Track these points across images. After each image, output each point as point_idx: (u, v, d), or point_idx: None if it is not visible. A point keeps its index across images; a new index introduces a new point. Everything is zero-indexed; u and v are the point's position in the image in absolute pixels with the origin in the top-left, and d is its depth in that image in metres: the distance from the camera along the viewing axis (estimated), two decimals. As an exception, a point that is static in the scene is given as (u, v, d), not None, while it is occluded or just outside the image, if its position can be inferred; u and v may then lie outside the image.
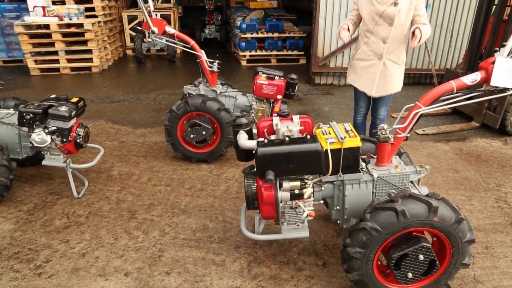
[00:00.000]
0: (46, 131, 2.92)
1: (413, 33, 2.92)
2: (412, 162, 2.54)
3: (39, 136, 2.92)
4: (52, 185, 3.35)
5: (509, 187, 3.45)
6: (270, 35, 8.06)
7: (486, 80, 2.14)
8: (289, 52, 8.17)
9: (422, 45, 6.45)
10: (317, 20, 6.19)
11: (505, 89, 2.15)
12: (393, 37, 3.03)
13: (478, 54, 5.01)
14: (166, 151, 3.99)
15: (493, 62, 2.10)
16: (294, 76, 3.61)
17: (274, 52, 8.12)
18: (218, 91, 3.79)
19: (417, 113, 2.11)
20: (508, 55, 2.16)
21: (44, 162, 3.06)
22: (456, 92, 2.15)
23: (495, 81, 2.08)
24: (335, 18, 6.21)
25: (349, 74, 3.38)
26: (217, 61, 3.77)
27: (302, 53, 8.23)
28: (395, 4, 2.96)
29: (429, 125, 4.92)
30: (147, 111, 5.30)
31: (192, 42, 3.74)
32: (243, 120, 2.23)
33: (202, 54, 3.75)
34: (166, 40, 3.93)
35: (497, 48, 2.09)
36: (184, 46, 3.84)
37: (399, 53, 3.15)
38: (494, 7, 4.83)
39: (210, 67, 3.75)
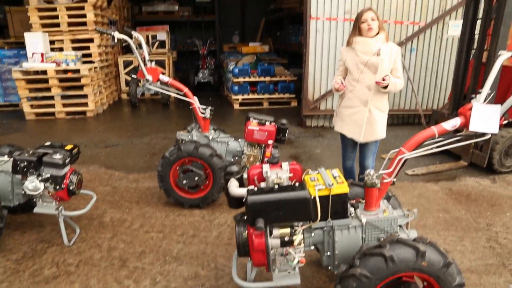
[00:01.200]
0: (40, 178, 2.94)
1: (383, 78, 3.15)
2: (401, 205, 2.59)
3: (32, 184, 2.94)
4: (43, 232, 3.32)
5: (499, 226, 3.48)
6: (262, 79, 8.33)
7: (465, 125, 2.24)
8: (281, 95, 8.41)
9: (409, 87, 6.68)
10: (307, 65, 6.43)
11: (483, 134, 2.25)
12: (378, 84, 3.20)
13: (462, 94, 5.19)
14: (158, 197, 4.00)
15: (471, 108, 2.21)
16: (284, 122, 3.71)
17: (266, 96, 8.35)
18: (211, 137, 3.87)
19: (402, 158, 2.19)
20: (484, 101, 2.28)
21: (36, 210, 3.06)
22: (438, 137, 2.25)
23: (473, 127, 2.18)
24: (324, 62, 6.46)
25: (335, 122, 3.51)
26: (209, 107, 3.87)
27: (294, 95, 8.48)
28: (378, 54, 3.16)
29: (419, 165, 5.00)
30: (140, 155, 5.35)
31: (185, 90, 3.86)
32: (234, 168, 2.28)
33: (194, 101, 3.86)
34: (160, 88, 4.05)
35: (474, 95, 2.21)
36: (178, 93, 3.95)
37: (382, 101, 3.31)
38: (473, 50, 5.08)
39: (203, 113, 3.86)
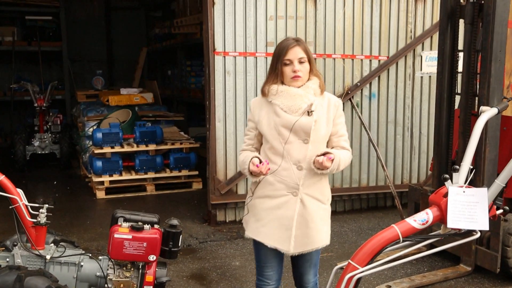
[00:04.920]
0: None
1: (325, 154, 3.24)
2: None
3: None
4: None
5: None
6: (143, 148, 8.38)
7: (442, 219, 2.46)
8: (175, 174, 8.51)
9: (372, 153, 7.15)
10: (212, 125, 6.64)
11: (470, 231, 2.48)
12: (311, 160, 3.30)
13: (449, 161, 5.61)
14: None
15: (446, 194, 2.45)
16: (175, 222, 3.73)
17: (151, 175, 8.39)
18: (48, 257, 3.73)
19: (352, 277, 2.32)
20: (465, 182, 2.54)
21: None
22: (403, 240, 2.44)
23: (452, 222, 2.40)
24: (239, 120, 6.75)
25: (247, 222, 3.54)
26: (45, 205, 3.79)
27: (196, 173, 8.63)
28: (309, 113, 3.31)
29: (396, 276, 5.22)
30: None
31: (0, 178, 3.76)
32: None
33: (18, 196, 3.77)
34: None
35: (447, 176, 2.47)
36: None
37: (322, 185, 3.40)
38: (459, 96, 5.59)
39: (34, 216, 3.75)
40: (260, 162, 3.30)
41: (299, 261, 3.49)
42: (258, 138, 3.50)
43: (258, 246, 3.48)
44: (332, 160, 3.23)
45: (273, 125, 3.35)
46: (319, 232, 3.37)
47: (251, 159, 3.32)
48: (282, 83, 3.36)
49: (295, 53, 3.29)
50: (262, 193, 3.39)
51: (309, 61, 3.35)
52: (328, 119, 3.38)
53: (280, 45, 3.38)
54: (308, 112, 3.30)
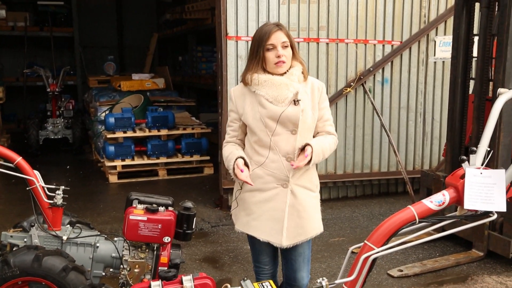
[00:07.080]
0: None
1: (302, 149, 3.17)
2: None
3: None
4: None
5: None
6: (154, 132, 8.42)
7: (458, 201, 2.46)
8: (187, 158, 8.53)
9: (384, 139, 7.14)
10: (224, 110, 6.64)
11: (487, 213, 2.48)
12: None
13: (462, 147, 5.61)
14: None
15: (463, 176, 2.45)
16: (189, 205, 3.74)
17: (163, 160, 8.43)
18: (65, 238, 3.76)
19: (368, 257, 2.33)
20: (482, 164, 2.54)
21: None
22: (419, 222, 2.44)
23: (469, 203, 2.41)
24: (252, 105, 6.73)
25: (236, 215, 3.46)
26: (62, 187, 3.81)
27: (208, 158, 8.64)
28: (296, 102, 3.20)
29: (408, 260, 5.24)
30: None
31: (18, 159, 3.78)
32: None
33: (35, 177, 3.79)
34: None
35: (464, 157, 2.47)
36: (4, 165, 3.86)
37: (310, 174, 3.35)
38: (473, 82, 5.57)
39: (50, 198, 3.78)
40: (245, 163, 3.23)
41: (292, 256, 3.42)
42: (242, 129, 3.39)
43: (251, 239, 3.45)
44: (308, 155, 3.13)
45: (259, 116, 3.23)
46: (311, 221, 3.33)
47: (236, 159, 3.24)
48: (264, 70, 3.25)
49: (278, 38, 3.17)
50: (251, 186, 3.25)
51: (292, 46, 3.24)
52: (314, 106, 3.29)
53: (260, 30, 3.24)
54: (294, 101, 3.21)
